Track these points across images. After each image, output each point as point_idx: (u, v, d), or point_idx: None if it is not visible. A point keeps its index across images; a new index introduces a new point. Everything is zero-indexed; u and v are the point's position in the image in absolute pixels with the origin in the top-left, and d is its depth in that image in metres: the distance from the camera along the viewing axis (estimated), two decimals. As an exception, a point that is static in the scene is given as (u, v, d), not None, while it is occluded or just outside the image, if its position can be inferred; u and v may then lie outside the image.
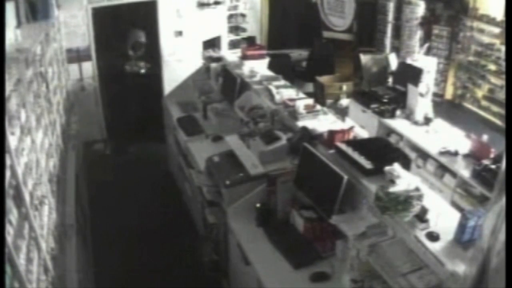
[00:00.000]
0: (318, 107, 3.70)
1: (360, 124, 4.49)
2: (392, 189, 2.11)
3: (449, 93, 5.61)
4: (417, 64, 4.91)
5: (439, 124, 4.29)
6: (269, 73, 4.62)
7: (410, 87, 4.40)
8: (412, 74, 4.67)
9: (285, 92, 3.96)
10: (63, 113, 4.26)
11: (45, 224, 2.44)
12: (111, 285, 3.64)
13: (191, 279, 3.72)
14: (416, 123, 4.31)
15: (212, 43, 6.33)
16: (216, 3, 6.45)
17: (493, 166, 3.37)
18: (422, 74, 4.60)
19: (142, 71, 5.98)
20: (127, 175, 5.28)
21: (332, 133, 2.99)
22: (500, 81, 4.92)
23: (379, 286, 2.18)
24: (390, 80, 5.21)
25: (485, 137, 3.72)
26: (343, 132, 3.02)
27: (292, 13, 7.57)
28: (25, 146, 2.30)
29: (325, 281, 2.50)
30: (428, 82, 4.53)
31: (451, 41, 5.44)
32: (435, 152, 3.87)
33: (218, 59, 5.06)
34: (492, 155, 3.52)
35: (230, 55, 5.24)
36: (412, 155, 4.03)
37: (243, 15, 7.05)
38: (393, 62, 5.46)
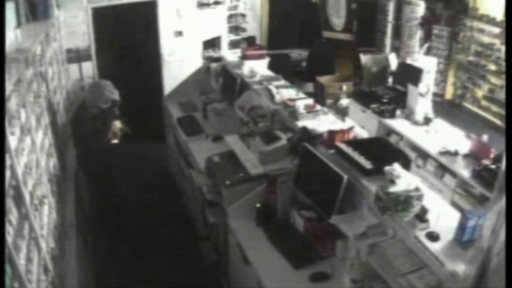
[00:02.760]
0: (318, 107, 3.70)
1: (360, 124, 4.48)
2: (392, 189, 2.11)
3: (449, 93, 5.60)
4: (417, 64, 4.90)
5: (439, 124, 4.29)
6: (269, 73, 4.62)
7: (410, 87, 4.40)
8: (412, 74, 4.67)
9: (285, 92, 3.96)
10: (63, 113, 4.26)
11: (45, 224, 2.44)
12: (111, 285, 3.64)
13: (191, 279, 3.72)
14: (416, 123, 4.30)
15: (212, 43, 6.33)
16: (216, 3, 6.45)
17: (493, 166, 3.37)
18: (422, 74, 4.60)
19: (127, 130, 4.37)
20: (127, 175, 5.28)
21: (332, 133, 2.99)
22: (500, 81, 4.91)
23: (379, 286, 2.18)
24: (390, 80, 5.21)
25: (485, 137, 3.72)
26: (343, 132, 3.02)
27: (292, 13, 7.57)
28: (25, 146, 2.30)
29: (325, 281, 2.50)
30: (428, 82, 4.53)
31: (451, 41, 5.43)
32: (435, 152, 3.87)
33: (218, 59, 5.06)
34: (492, 155, 3.51)
35: (230, 55, 5.25)
36: (412, 155, 4.03)
37: (243, 15, 7.06)
38: (393, 62, 5.46)
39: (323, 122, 3.41)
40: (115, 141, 4.37)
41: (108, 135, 4.29)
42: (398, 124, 4.37)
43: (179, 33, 6.03)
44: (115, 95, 4.32)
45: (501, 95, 4.86)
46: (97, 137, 4.25)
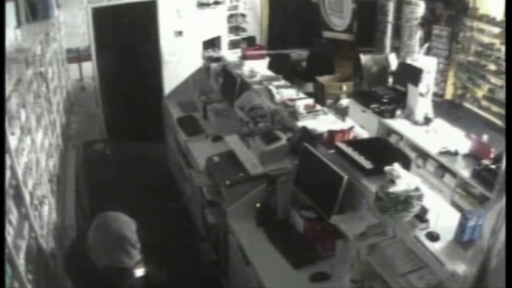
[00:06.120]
0: (318, 107, 3.70)
1: (360, 124, 4.47)
2: (392, 189, 2.11)
3: (449, 93, 5.61)
4: (417, 64, 4.90)
5: (439, 124, 4.29)
6: (269, 73, 4.62)
7: (410, 87, 4.40)
8: (412, 74, 4.67)
9: (285, 92, 3.96)
10: (63, 113, 4.26)
11: (45, 224, 2.44)
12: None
13: (191, 279, 3.72)
14: (416, 123, 4.30)
15: (212, 43, 6.33)
16: (216, 3, 6.45)
17: (493, 166, 3.37)
18: (422, 74, 4.59)
19: None
20: (127, 175, 5.28)
21: (332, 133, 2.99)
22: (500, 81, 4.92)
23: (379, 286, 2.18)
24: (390, 80, 5.21)
25: (485, 137, 3.72)
26: (343, 132, 3.02)
27: (292, 13, 7.58)
28: (25, 146, 2.30)
29: (325, 281, 2.49)
30: (428, 82, 4.53)
31: (451, 41, 5.44)
32: (435, 152, 3.87)
33: (218, 59, 5.06)
34: (492, 155, 3.51)
35: (230, 55, 5.24)
36: (412, 155, 4.02)
37: (243, 15, 7.05)
38: (393, 62, 5.46)
39: (323, 122, 3.41)
40: None
41: None
42: (398, 124, 4.37)
43: (179, 33, 6.03)
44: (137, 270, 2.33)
45: (501, 95, 4.87)
46: None
